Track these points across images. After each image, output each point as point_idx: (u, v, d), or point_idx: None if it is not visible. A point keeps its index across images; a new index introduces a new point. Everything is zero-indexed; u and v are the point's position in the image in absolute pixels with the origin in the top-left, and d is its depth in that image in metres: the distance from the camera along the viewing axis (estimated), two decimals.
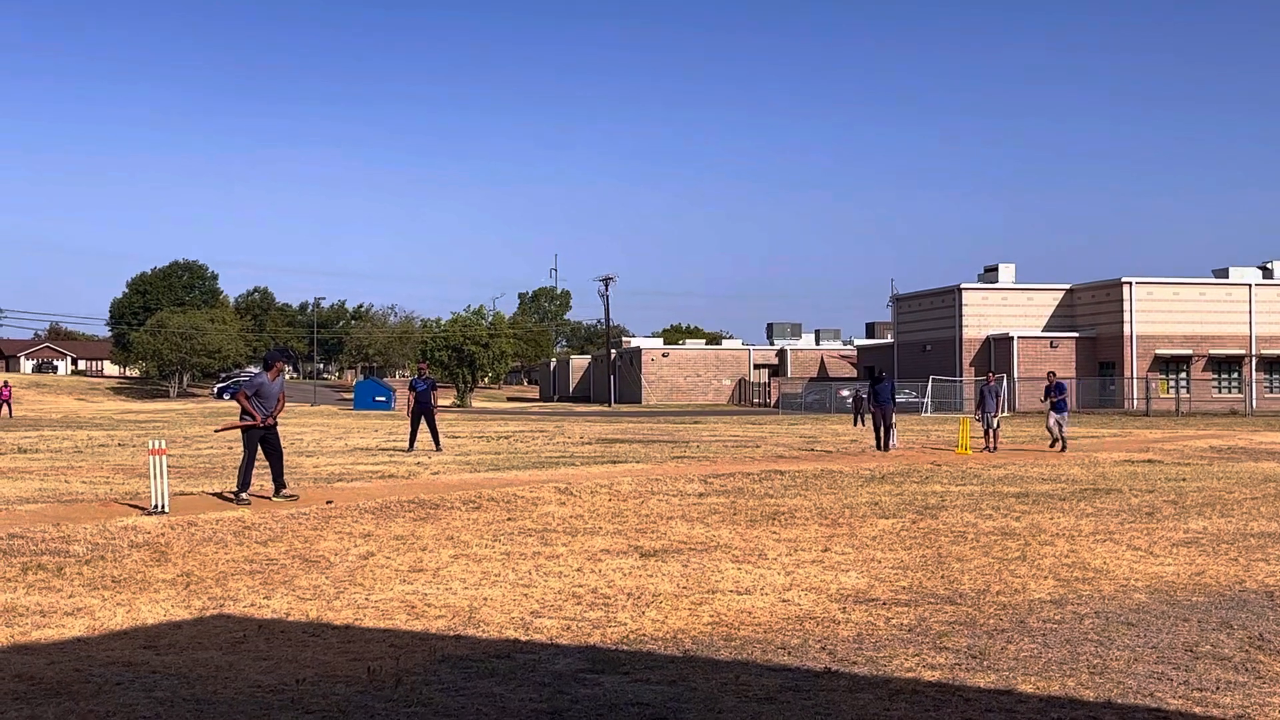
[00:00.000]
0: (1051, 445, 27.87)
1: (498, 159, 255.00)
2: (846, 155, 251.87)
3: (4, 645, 7.58)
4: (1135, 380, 64.28)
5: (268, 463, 15.51)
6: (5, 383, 63.41)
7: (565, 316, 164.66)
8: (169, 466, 14.45)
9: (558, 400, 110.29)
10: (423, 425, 26.92)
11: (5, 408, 59.29)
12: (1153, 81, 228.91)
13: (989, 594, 9.55)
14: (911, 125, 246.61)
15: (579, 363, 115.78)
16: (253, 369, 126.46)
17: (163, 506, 13.81)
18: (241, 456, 15.36)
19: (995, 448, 27.56)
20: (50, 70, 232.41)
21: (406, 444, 27.55)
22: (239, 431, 15.52)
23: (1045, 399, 28.63)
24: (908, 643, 7.83)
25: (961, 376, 68.02)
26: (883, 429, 27.72)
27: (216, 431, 15.53)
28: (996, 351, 67.73)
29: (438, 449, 26.48)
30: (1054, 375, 29.55)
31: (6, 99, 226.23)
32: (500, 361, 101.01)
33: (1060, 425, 27.56)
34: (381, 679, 6.75)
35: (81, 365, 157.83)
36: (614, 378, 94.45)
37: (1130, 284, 66.13)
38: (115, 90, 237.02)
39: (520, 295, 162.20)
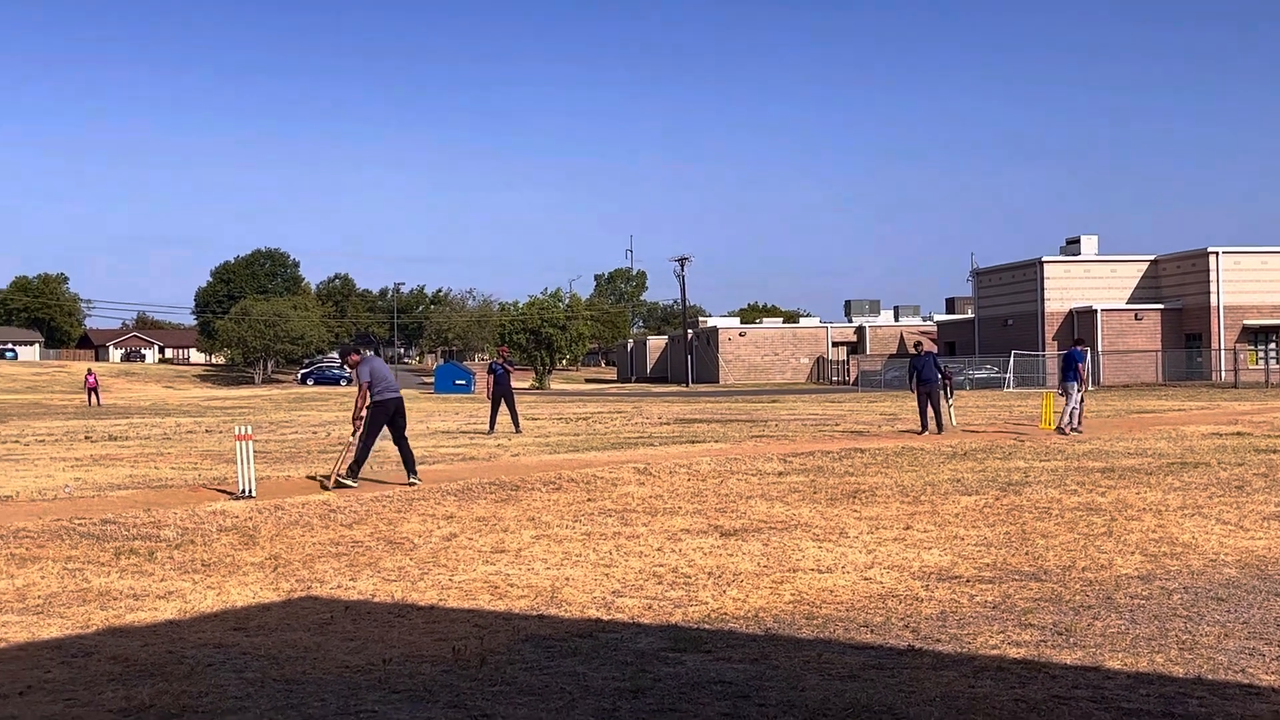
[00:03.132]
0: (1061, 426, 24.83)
1: (572, 141, 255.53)
2: (925, 128, 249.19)
3: (99, 628, 7.76)
4: (1223, 352, 62.97)
5: (396, 448, 15.77)
6: (90, 372, 64.76)
7: (641, 297, 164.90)
8: (255, 452, 14.68)
9: (635, 381, 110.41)
10: (503, 407, 27.19)
11: (93, 396, 60.57)
12: (1232, 47, 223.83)
13: (1074, 570, 9.43)
14: (990, 97, 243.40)
15: (656, 343, 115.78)
16: (335, 354, 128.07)
17: (250, 491, 14.05)
18: (360, 442, 15.41)
19: (1080, 423, 27.06)
20: (138, 61, 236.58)
21: (487, 427, 27.82)
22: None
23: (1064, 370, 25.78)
24: (992, 620, 7.77)
25: (1044, 351, 67.10)
26: (929, 409, 25.14)
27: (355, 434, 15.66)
28: (1080, 324, 66.68)
29: (517, 431, 26.69)
30: (1080, 341, 26.90)
31: (96, 91, 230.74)
32: (577, 343, 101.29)
33: (1068, 398, 24.76)
34: (466, 658, 6.82)
35: (168, 353, 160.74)
36: (691, 358, 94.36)
37: (1217, 253, 64.70)
38: (200, 81, 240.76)
39: (596, 277, 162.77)
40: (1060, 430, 24.43)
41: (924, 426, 25.04)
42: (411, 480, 15.31)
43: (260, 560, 10.27)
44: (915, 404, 26.26)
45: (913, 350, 27.68)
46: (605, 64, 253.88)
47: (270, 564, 10.08)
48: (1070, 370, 25.41)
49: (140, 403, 63.60)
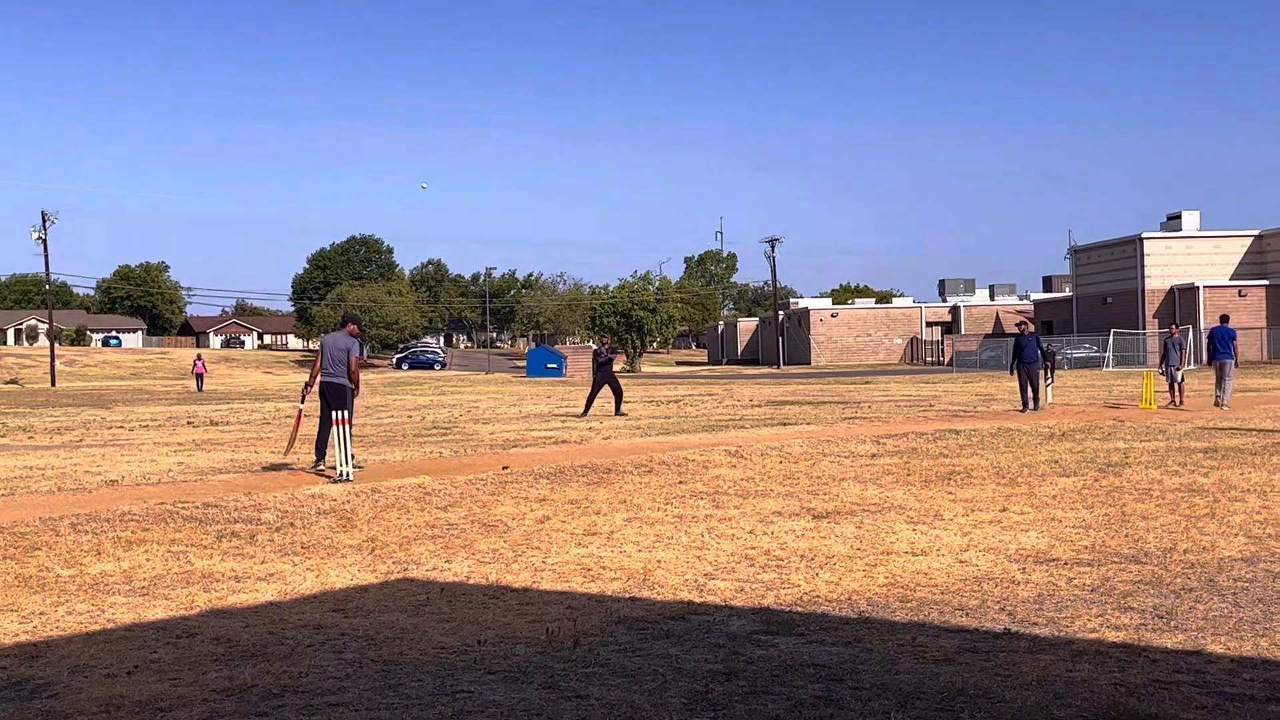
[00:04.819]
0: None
1: (659, 124, 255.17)
2: (1021, 103, 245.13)
3: (203, 609, 7.94)
4: None
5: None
6: (199, 358, 66.16)
7: (731, 279, 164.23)
8: (352, 436, 14.89)
9: (726, 363, 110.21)
10: (605, 391, 27.86)
11: (200, 382, 61.80)
12: None
13: (1176, 552, 9.25)
14: (1089, 69, 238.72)
15: (746, 325, 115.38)
16: (429, 339, 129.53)
17: (348, 475, 14.25)
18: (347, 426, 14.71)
19: (1181, 402, 26.56)
20: (234, 52, 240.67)
21: (581, 409, 28.32)
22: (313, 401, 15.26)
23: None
24: (1090, 603, 7.65)
25: (1144, 329, 65.77)
26: (1029, 388, 25.33)
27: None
28: (1181, 302, 65.28)
29: (618, 413, 27.04)
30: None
31: (195, 83, 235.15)
32: (668, 326, 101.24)
33: (1226, 376, 25.47)
34: (560, 640, 6.87)
35: (267, 340, 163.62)
36: (782, 339, 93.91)
37: None
38: (295, 73, 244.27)
39: (686, 259, 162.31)
40: (1218, 404, 25.15)
41: (1024, 405, 25.18)
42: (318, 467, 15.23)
43: (358, 543, 10.42)
44: (1012, 384, 26.31)
45: (1016, 329, 27.78)
46: (696, 44, 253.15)
47: (367, 546, 10.23)
48: (1226, 347, 25.67)
49: (240, 388, 64.84)
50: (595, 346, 30.16)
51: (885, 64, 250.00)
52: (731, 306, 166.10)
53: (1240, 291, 65.23)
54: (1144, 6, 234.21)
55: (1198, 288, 64.95)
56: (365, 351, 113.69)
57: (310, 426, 16.12)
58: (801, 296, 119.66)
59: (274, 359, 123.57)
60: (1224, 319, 27.49)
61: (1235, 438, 18.10)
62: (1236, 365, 25.72)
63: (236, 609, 7.94)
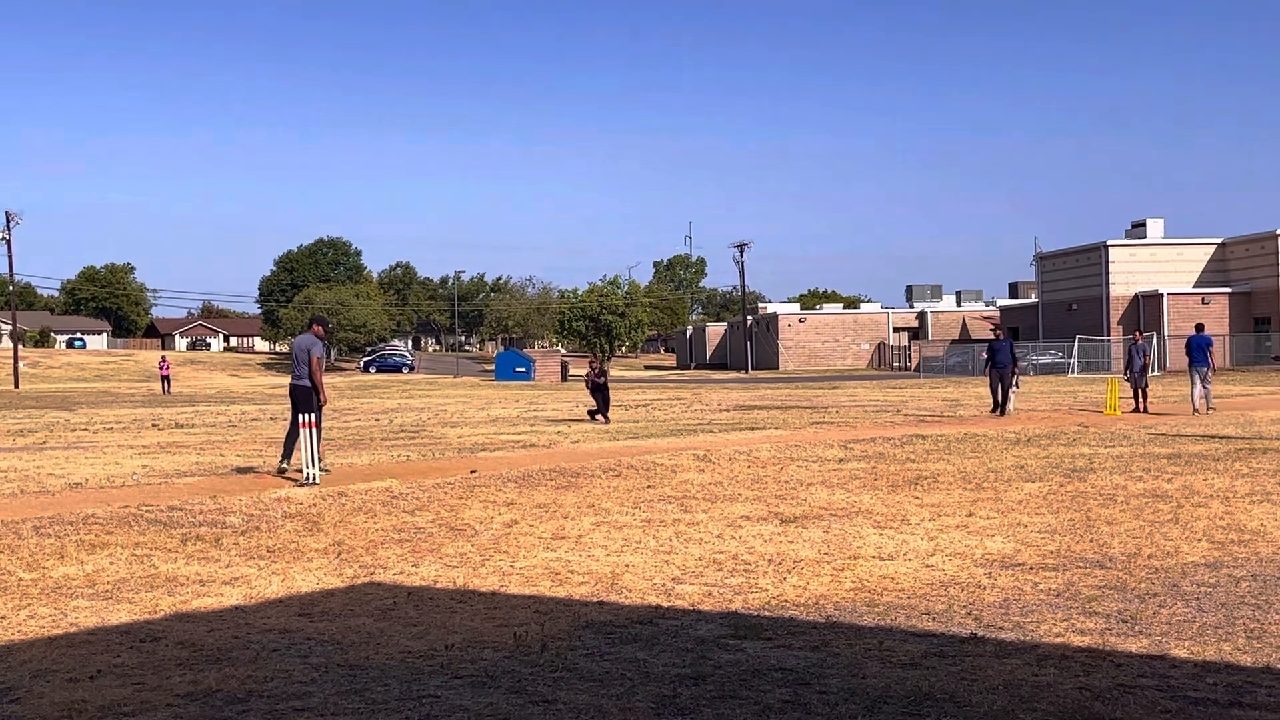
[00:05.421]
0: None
1: (629, 130, 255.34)
2: (988, 111, 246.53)
3: (167, 614, 7.88)
4: None
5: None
6: (164, 359, 65.62)
7: (700, 284, 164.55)
8: (320, 439, 14.81)
9: (694, 368, 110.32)
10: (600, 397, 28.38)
11: (165, 383, 61.37)
12: None
13: (1140, 558, 9.32)
14: (1053, 79, 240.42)
15: (715, 330, 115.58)
16: (397, 342, 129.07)
17: (314, 478, 14.18)
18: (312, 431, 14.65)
19: (1145, 408, 26.82)
20: (200, 52, 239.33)
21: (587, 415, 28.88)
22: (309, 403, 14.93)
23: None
24: (1056, 608, 7.69)
25: (1109, 336, 66.27)
26: (999, 391, 25.98)
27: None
28: (1145, 309, 65.81)
29: (606, 420, 27.15)
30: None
31: (157, 84, 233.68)
32: (637, 330, 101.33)
33: (1200, 383, 26.15)
34: (527, 644, 6.86)
35: (233, 342, 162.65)
36: (750, 344, 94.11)
37: None
38: (260, 72, 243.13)
39: (655, 264, 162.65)
40: (1197, 411, 25.69)
41: (995, 406, 25.87)
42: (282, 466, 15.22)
43: (324, 546, 10.37)
44: (979, 389, 26.72)
45: (990, 334, 28.50)
46: (665, 50, 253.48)
47: (334, 550, 10.18)
48: (1202, 355, 26.39)
49: (206, 391, 64.41)
50: (587, 370, 30.36)
51: (855, 72, 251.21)
52: (700, 311, 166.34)
53: (1204, 299, 65.81)
54: (1110, 17, 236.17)
55: (1162, 295, 65.48)
56: (333, 354, 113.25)
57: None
58: (770, 301, 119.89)
59: (240, 361, 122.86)
60: (1199, 328, 28.45)
61: (1199, 444, 18.25)
62: (1213, 372, 26.59)
63: (201, 613, 7.89)
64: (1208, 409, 25.70)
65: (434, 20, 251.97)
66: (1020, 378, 29.24)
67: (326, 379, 15.30)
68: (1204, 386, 26.00)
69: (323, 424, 15.10)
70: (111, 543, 10.42)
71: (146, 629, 7.42)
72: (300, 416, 14.56)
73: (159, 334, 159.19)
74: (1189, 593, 8.05)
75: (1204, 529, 10.56)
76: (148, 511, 11.86)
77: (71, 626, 7.52)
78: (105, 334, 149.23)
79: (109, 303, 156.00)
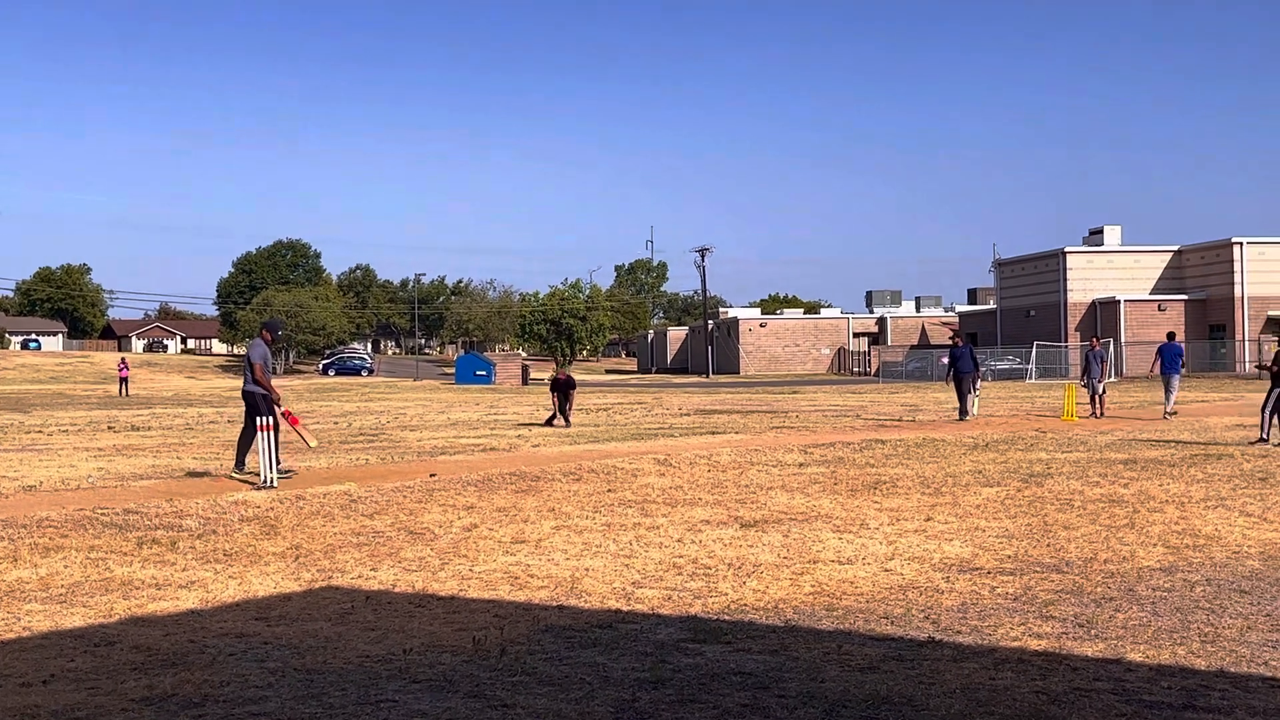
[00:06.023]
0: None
1: (592, 133, 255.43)
2: (948, 119, 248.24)
3: (122, 617, 7.80)
4: (1246, 343, 62.57)
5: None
6: (124, 361, 64.99)
7: (662, 288, 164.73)
8: (278, 443, 14.71)
9: (655, 372, 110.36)
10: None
11: (124, 386, 60.84)
12: (1256, 35, 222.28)
13: (1096, 562, 9.39)
14: (1012, 87, 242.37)
15: (676, 334, 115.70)
16: (356, 345, 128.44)
17: (272, 481, 14.09)
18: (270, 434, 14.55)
19: (1102, 414, 27.07)
20: (159, 52, 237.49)
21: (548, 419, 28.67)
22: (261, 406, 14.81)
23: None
24: (1013, 612, 7.74)
25: (1067, 342, 66.80)
26: (961, 396, 26.78)
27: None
28: (1103, 316, 66.38)
29: (567, 424, 27.08)
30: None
31: (118, 82, 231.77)
32: (598, 334, 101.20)
33: (1171, 388, 27.01)
34: (486, 649, 6.84)
35: (190, 344, 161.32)
36: (711, 349, 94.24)
37: (1241, 244, 64.28)
38: (220, 72, 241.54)
39: (617, 268, 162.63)
40: (1167, 416, 26.23)
41: (963, 413, 26.43)
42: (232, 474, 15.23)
43: (282, 550, 10.30)
44: (939, 395, 27.07)
45: (951, 341, 29.28)
46: (627, 55, 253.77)
47: (291, 554, 10.12)
48: (1174, 362, 27.26)
49: (163, 393, 63.86)
50: (553, 374, 30.28)
51: (815, 79, 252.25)
52: (661, 315, 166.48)
53: (1160, 306, 66.45)
54: (1069, 29, 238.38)
55: (1119, 302, 66.08)
56: (291, 356, 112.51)
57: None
58: (731, 306, 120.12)
59: (198, 364, 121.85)
60: (1171, 336, 29.20)
61: (1154, 449, 18.43)
62: (1180, 379, 27.57)
63: (157, 617, 7.82)
64: (1165, 415, 26.28)
65: (392, 24, 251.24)
66: (980, 383, 29.69)
67: (282, 381, 15.30)
68: (1172, 392, 26.94)
69: (280, 426, 14.98)
70: (66, 546, 10.31)
71: (101, 633, 7.34)
72: (259, 420, 14.48)
73: (115, 335, 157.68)
74: (1144, 597, 8.12)
75: (1159, 534, 10.66)
76: (103, 514, 11.74)
77: (25, 630, 7.43)
78: (61, 335, 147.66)
79: (65, 304, 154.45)
